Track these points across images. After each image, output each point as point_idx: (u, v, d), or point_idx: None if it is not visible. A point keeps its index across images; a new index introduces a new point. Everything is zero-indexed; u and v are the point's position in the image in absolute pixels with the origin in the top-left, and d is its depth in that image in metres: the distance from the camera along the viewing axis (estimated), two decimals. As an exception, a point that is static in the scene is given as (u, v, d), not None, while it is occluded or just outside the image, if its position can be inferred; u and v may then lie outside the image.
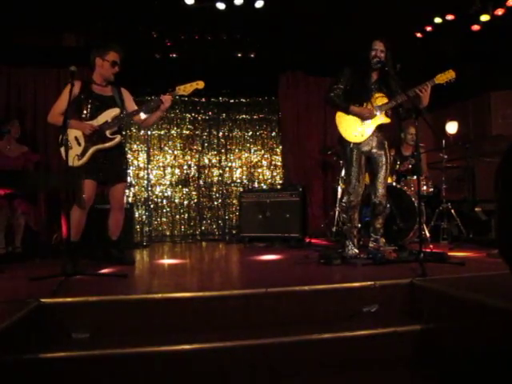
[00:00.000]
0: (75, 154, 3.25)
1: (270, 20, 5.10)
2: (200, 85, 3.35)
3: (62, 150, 3.06)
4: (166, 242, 6.24)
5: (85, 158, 3.30)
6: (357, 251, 3.53)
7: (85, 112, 3.35)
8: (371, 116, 3.47)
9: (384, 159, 3.53)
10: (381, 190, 3.52)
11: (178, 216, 6.46)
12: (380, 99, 3.50)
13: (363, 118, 3.48)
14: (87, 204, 3.33)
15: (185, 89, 3.34)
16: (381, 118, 3.49)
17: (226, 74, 5.97)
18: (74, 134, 3.28)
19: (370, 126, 3.49)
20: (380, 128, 3.52)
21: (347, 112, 3.49)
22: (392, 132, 4.97)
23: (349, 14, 5.00)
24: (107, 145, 3.36)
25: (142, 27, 5.31)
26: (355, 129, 3.49)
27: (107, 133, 3.35)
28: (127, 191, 6.23)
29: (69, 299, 2.18)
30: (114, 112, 3.37)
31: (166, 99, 3.30)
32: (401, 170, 4.84)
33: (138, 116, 3.49)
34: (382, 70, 3.44)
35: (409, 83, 3.36)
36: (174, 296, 2.27)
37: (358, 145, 3.49)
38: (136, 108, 3.50)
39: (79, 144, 3.31)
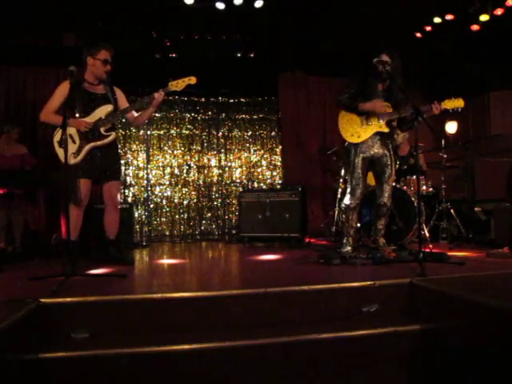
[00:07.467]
0: (71, 152, 3.20)
1: (269, 20, 5.09)
2: (192, 80, 3.33)
3: (57, 148, 3.22)
4: (166, 241, 6.23)
5: (80, 156, 3.28)
6: (350, 249, 3.56)
7: (77, 110, 3.31)
8: (384, 110, 3.44)
9: (388, 159, 3.54)
10: (388, 192, 3.54)
11: (177, 216, 6.46)
12: (387, 108, 3.50)
13: (376, 112, 3.44)
14: (83, 203, 3.32)
15: (177, 84, 3.33)
16: (381, 126, 3.49)
17: (225, 74, 5.97)
18: (68, 131, 3.18)
19: (367, 130, 3.49)
20: (382, 134, 3.52)
21: (357, 110, 3.47)
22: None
23: (349, 13, 5.00)
24: (102, 142, 3.34)
25: (142, 27, 5.31)
26: (353, 129, 3.50)
27: (102, 130, 3.33)
28: (126, 191, 6.23)
29: (68, 299, 2.18)
30: (107, 108, 3.36)
31: (158, 95, 3.30)
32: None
33: (130, 113, 3.47)
34: (388, 80, 3.46)
35: (409, 84, 3.37)
36: (173, 296, 2.27)
37: (361, 149, 3.49)
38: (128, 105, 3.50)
39: (74, 142, 3.28)
